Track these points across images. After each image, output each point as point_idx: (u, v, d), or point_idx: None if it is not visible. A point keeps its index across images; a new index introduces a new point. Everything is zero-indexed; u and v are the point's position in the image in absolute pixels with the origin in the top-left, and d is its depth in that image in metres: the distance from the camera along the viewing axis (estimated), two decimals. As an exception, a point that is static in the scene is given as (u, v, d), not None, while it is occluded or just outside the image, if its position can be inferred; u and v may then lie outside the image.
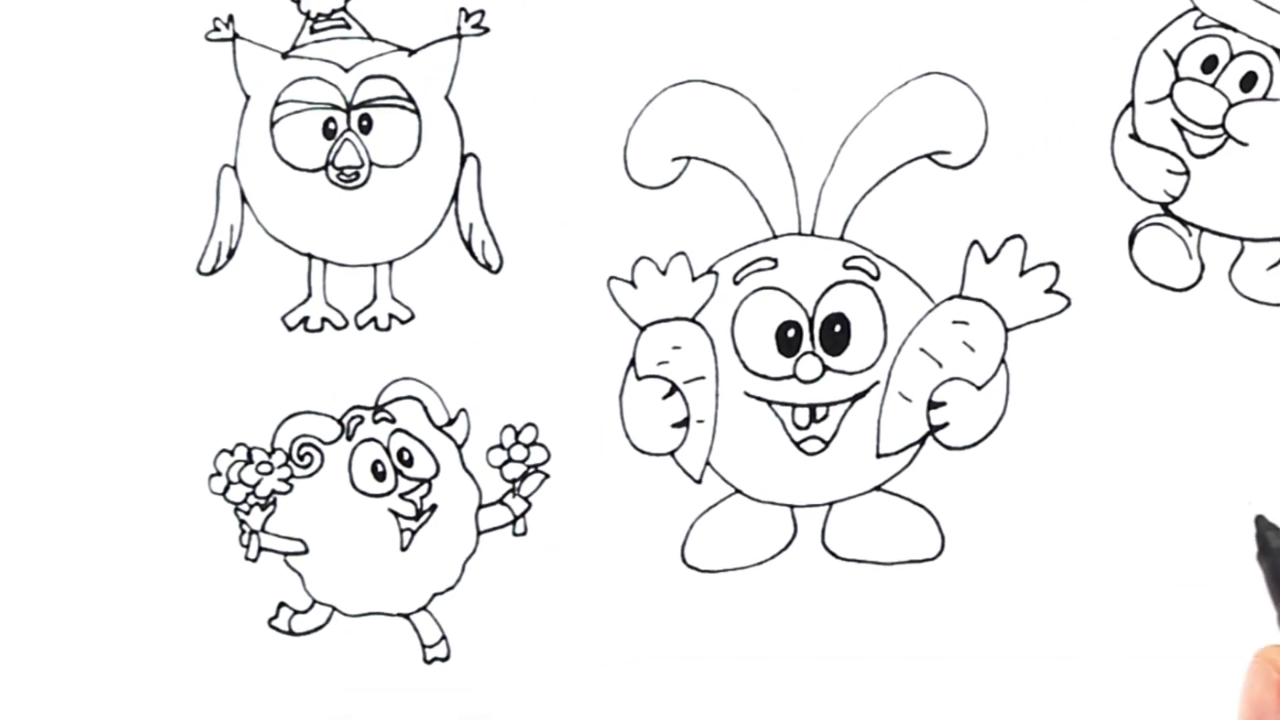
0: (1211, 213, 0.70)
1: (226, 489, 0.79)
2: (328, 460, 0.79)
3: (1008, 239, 0.72)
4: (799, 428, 0.74)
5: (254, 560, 0.79)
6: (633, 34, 0.76)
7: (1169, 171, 0.71)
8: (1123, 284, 0.71)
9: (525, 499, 0.76)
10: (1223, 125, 0.70)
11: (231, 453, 0.79)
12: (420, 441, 0.78)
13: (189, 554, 0.79)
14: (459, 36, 0.78)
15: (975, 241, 0.73)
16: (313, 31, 0.79)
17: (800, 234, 0.74)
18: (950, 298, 0.73)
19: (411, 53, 0.78)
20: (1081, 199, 0.71)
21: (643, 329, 0.75)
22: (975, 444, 0.72)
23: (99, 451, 0.80)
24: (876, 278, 0.73)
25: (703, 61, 0.75)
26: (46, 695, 0.80)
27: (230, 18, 0.80)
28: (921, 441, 0.73)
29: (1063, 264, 0.71)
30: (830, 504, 0.74)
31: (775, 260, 0.74)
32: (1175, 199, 0.71)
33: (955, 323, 0.73)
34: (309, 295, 0.79)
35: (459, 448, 0.77)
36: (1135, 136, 0.71)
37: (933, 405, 0.73)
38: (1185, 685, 0.68)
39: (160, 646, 0.79)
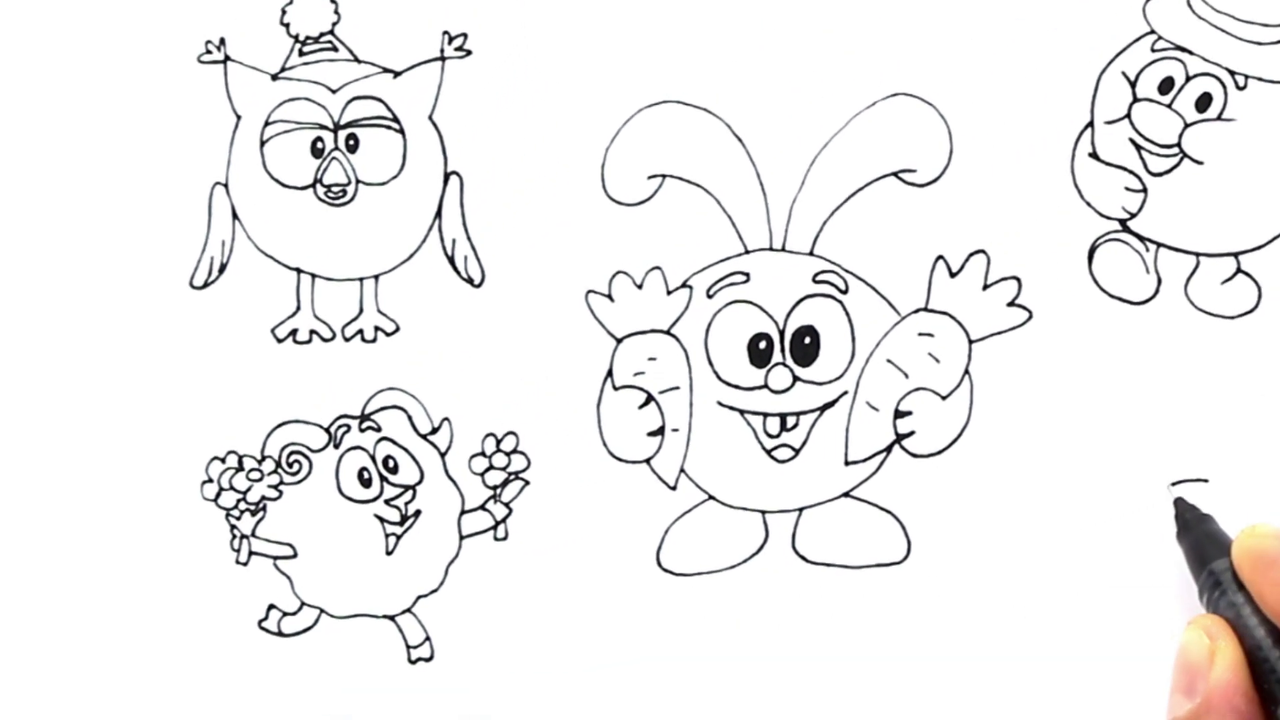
0: (1168, 229, 0.69)
1: (218, 495, 0.78)
2: (316, 467, 0.77)
3: (971, 254, 0.71)
4: (770, 436, 0.72)
5: (245, 564, 0.77)
6: (609, 57, 0.74)
7: (1127, 189, 0.69)
8: (1082, 298, 0.69)
9: (506, 505, 0.75)
10: (1179, 144, 0.69)
11: (223, 460, 0.78)
12: (405, 450, 0.76)
13: (182, 557, 0.77)
14: (442, 59, 0.76)
15: (940, 256, 0.71)
16: (301, 54, 0.78)
17: (771, 249, 0.72)
18: (916, 311, 0.71)
19: (396, 74, 0.77)
20: (1042, 216, 0.70)
21: (619, 341, 0.74)
22: (940, 452, 0.71)
23: (96, 458, 0.78)
24: (845, 291, 0.72)
25: (677, 83, 0.74)
26: (45, 694, 0.79)
27: (222, 40, 0.78)
28: (888, 449, 0.71)
29: (1024, 278, 0.70)
30: (800, 510, 0.72)
31: (747, 275, 0.73)
32: (1133, 215, 0.69)
33: (921, 335, 0.71)
34: (298, 308, 0.78)
35: (442, 455, 0.76)
36: (1094, 155, 0.70)
37: (899, 414, 0.71)
38: (1147, 686, 0.66)
39: (154, 646, 0.77)
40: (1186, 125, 0.68)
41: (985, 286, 0.70)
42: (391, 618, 0.76)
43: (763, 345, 0.72)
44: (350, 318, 0.77)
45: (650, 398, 0.73)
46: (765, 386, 0.72)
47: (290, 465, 0.77)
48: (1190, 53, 0.68)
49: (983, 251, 0.70)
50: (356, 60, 0.77)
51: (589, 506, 0.73)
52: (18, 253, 0.79)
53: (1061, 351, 0.69)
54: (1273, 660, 0.55)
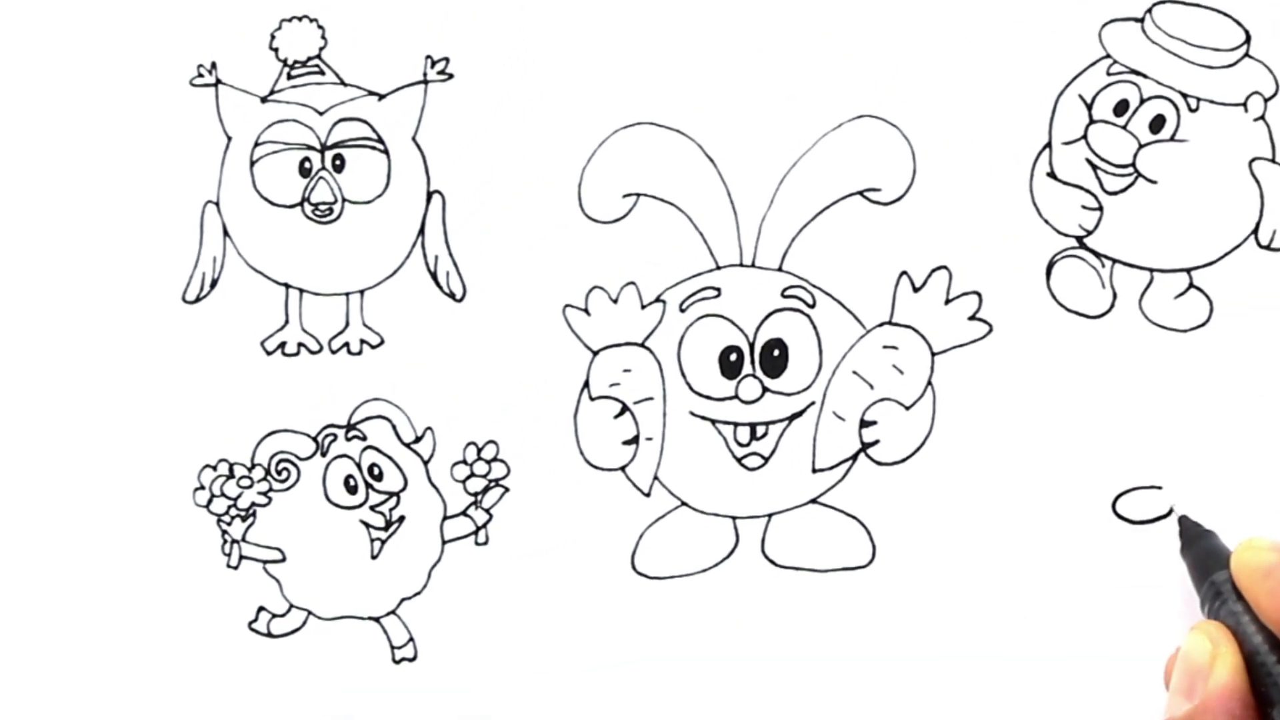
0: (1123, 245, 0.68)
1: (210, 501, 0.75)
2: (303, 475, 0.75)
3: (934, 270, 0.69)
4: (740, 445, 0.71)
5: (235, 567, 0.75)
6: (586, 80, 0.73)
7: (1083, 207, 0.68)
8: (1041, 312, 0.68)
9: (487, 511, 0.73)
10: (1133, 164, 0.67)
11: (214, 468, 0.75)
12: (389, 458, 0.74)
13: (175, 561, 0.75)
14: (425, 82, 0.74)
15: (904, 272, 0.70)
16: (290, 78, 0.76)
17: (742, 265, 0.71)
18: (881, 324, 0.70)
19: (381, 97, 0.75)
20: (1002, 233, 0.69)
21: (595, 353, 0.72)
22: (904, 460, 0.69)
23: (93, 464, 0.76)
24: (812, 306, 0.70)
25: (651, 105, 0.72)
26: (44, 692, 0.76)
27: (213, 64, 0.76)
28: (854, 458, 0.70)
29: (985, 293, 0.69)
30: (769, 515, 0.71)
31: (718, 289, 0.71)
32: (1089, 233, 0.68)
33: (885, 347, 0.70)
34: (286, 322, 0.76)
35: (425, 463, 0.74)
36: (1052, 175, 0.68)
37: (864, 424, 0.70)
38: (1105, 684, 0.66)
39: (148, 647, 0.75)
40: (1141, 146, 0.67)
41: (947, 301, 0.69)
42: (377, 619, 0.74)
43: (733, 357, 0.71)
44: (337, 331, 0.75)
45: (625, 408, 0.71)
46: (736, 397, 0.70)
47: (279, 472, 0.75)
48: (1144, 76, 0.67)
49: (945, 267, 0.69)
50: (343, 83, 0.75)
51: (566, 512, 0.72)
52: (18, 267, 0.77)
53: (1021, 364, 0.68)
54: (1269, 665, 0.54)
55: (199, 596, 0.75)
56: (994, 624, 0.67)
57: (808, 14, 0.71)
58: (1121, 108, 0.67)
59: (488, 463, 0.73)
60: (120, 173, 0.76)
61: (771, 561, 0.70)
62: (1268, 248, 0.66)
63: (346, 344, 0.75)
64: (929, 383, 0.69)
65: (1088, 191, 0.68)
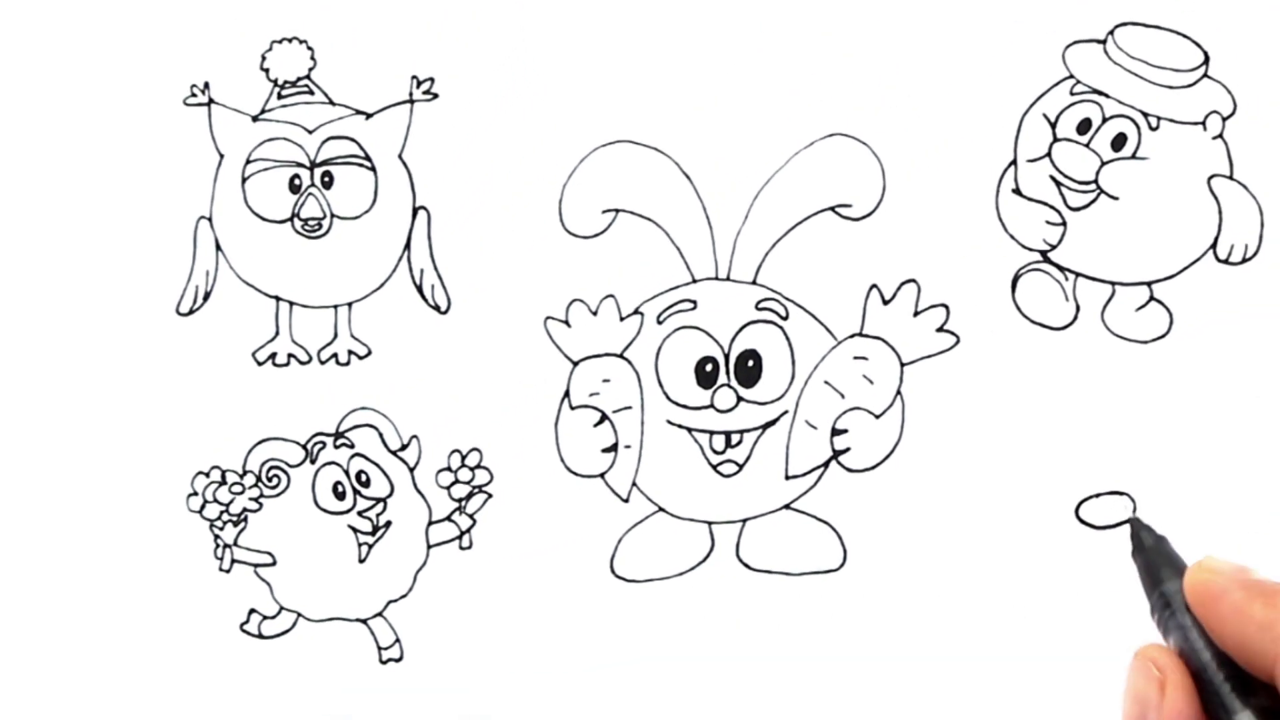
0: (1086, 259, 0.66)
1: (203, 507, 0.73)
2: (293, 481, 0.73)
3: (903, 283, 0.68)
4: (716, 452, 0.69)
5: (227, 571, 0.73)
6: (567, 100, 0.71)
7: (1048, 222, 0.67)
8: (1006, 324, 0.67)
9: (470, 516, 0.71)
10: (1096, 181, 0.66)
11: (207, 475, 0.74)
12: (376, 465, 0.72)
13: (169, 564, 0.73)
14: (411, 101, 0.73)
15: (874, 285, 0.68)
16: (280, 97, 0.74)
17: (717, 278, 0.70)
18: (851, 336, 0.69)
19: (368, 116, 0.73)
20: (969, 247, 0.67)
21: (576, 364, 0.71)
22: (874, 467, 0.68)
23: (90, 471, 0.74)
24: (785, 318, 0.69)
25: (629, 124, 0.71)
26: (42, 691, 0.74)
27: (206, 84, 0.75)
28: (826, 465, 0.68)
29: (952, 306, 0.68)
30: (744, 521, 0.69)
31: (695, 302, 0.70)
32: (1053, 247, 0.67)
33: (856, 358, 0.68)
34: (276, 333, 0.74)
35: (411, 470, 0.72)
36: (1017, 191, 0.67)
37: (836, 432, 0.68)
38: (1068, 684, 0.65)
39: (144, 647, 0.73)
40: (1103, 163, 0.66)
41: (916, 313, 0.68)
42: (364, 621, 0.72)
43: (709, 368, 0.69)
44: (325, 342, 0.73)
45: (604, 416, 0.70)
46: (711, 406, 0.69)
47: (270, 479, 0.73)
48: (1106, 96, 0.66)
49: (913, 281, 0.68)
50: (331, 103, 0.74)
51: (548, 518, 0.70)
52: (19, 279, 0.75)
53: (987, 374, 0.67)
54: (1217, 683, 0.51)
55: (193, 599, 0.73)
56: (961, 625, 0.66)
57: (780, 38, 0.69)
58: (1084, 126, 0.66)
59: (471, 469, 0.71)
60: (117, 189, 0.75)
61: (746, 565, 0.69)
62: (1225, 262, 0.65)
63: (335, 355, 0.73)
64: (898, 392, 0.68)
65: (1052, 207, 0.67)
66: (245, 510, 0.73)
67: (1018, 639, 0.66)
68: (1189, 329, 0.65)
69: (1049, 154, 0.67)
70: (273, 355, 0.74)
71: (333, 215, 0.73)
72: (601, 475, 0.70)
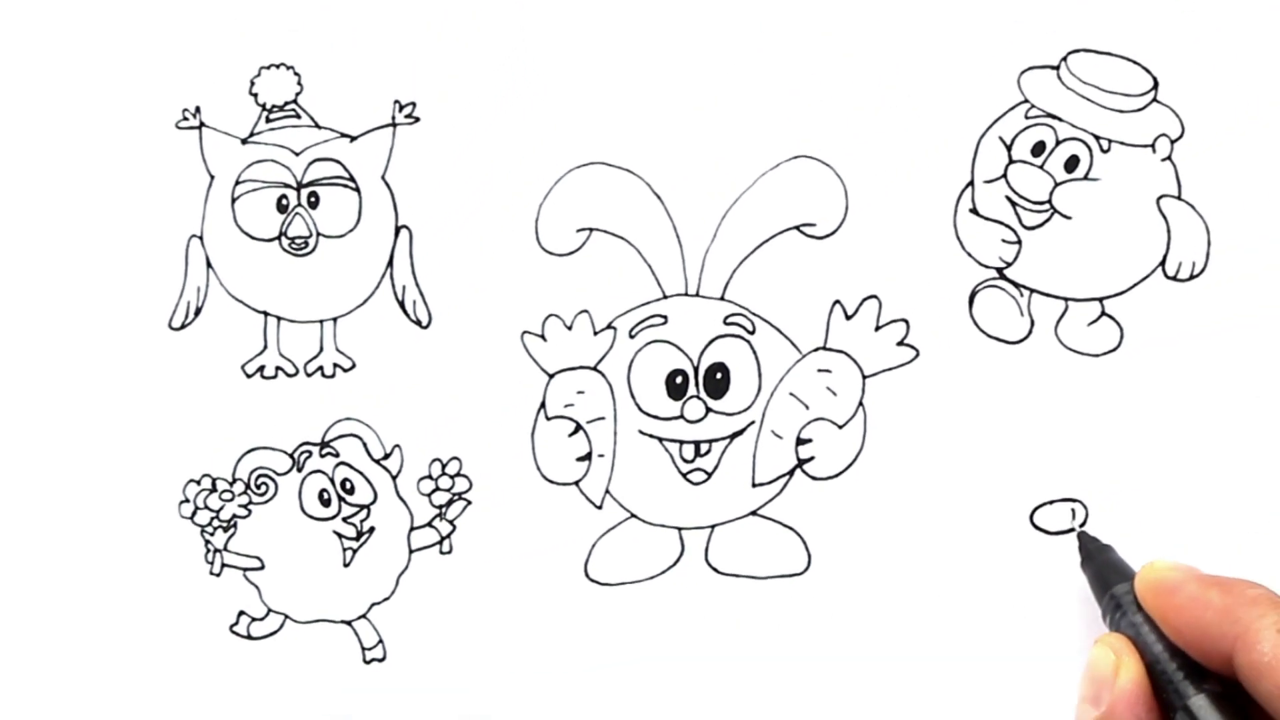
0: (1040, 276, 0.65)
1: (194, 513, 0.72)
2: (281, 489, 0.72)
3: (865, 299, 0.66)
4: (685, 461, 0.68)
5: (218, 575, 0.72)
6: (543, 123, 0.69)
7: (1003, 241, 0.65)
8: (964, 338, 0.65)
9: (450, 522, 0.70)
10: (1050, 201, 0.65)
11: (198, 482, 0.72)
12: (360, 473, 0.71)
13: (162, 569, 0.72)
14: (393, 125, 0.71)
15: (837, 301, 0.67)
16: (268, 121, 0.73)
17: (687, 294, 0.68)
18: (815, 349, 0.67)
19: (353, 139, 0.72)
20: (928, 265, 0.66)
21: (551, 376, 0.69)
22: (837, 475, 0.66)
23: (86, 479, 0.73)
24: (752, 332, 0.67)
25: (603, 147, 0.69)
26: (40, 689, 0.73)
27: (198, 109, 0.73)
28: (791, 473, 0.67)
29: (912, 320, 0.66)
30: (712, 527, 0.67)
31: (665, 317, 0.68)
32: (1009, 265, 0.65)
33: (820, 371, 0.67)
34: (265, 347, 0.72)
35: (394, 478, 0.70)
36: (974, 211, 0.65)
37: (801, 442, 0.67)
38: (1022, 681, 0.64)
39: (137, 648, 0.72)
40: (1056, 184, 0.65)
41: (877, 328, 0.66)
42: (348, 623, 0.71)
43: (679, 380, 0.68)
44: (312, 355, 0.72)
45: (579, 427, 0.68)
46: (681, 417, 0.68)
47: (258, 487, 0.72)
48: (1060, 119, 0.65)
49: (875, 296, 0.66)
50: (317, 126, 0.72)
51: (524, 524, 0.69)
52: (19, 296, 0.74)
53: (945, 386, 0.65)
54: (1170, 673, 0.53)
55: (184, 601, 0.72)
56: (921, 627, 0.65)
57: (746, 66, 0.68)
58: (1039, 149, 0.65)
59: (451, 478, 0.70)
60: (112, 209, 0.73)
61: (714, 569, 0.67)
62: (1174, 279, 0.64)
63: (320, 367, 0.72)
64: (860, 403, 0.66)
65: (1007, 226, 0.65)
66: (235, 516, 0.72)
67: (974, 639, 0.64)
68: (1139, 343, 0.64)
69: (1005, 175, 0.65)
70: (261, 368, 0.72)
71: (319, 234, 0.72)
72: (576, 483, 0.68)
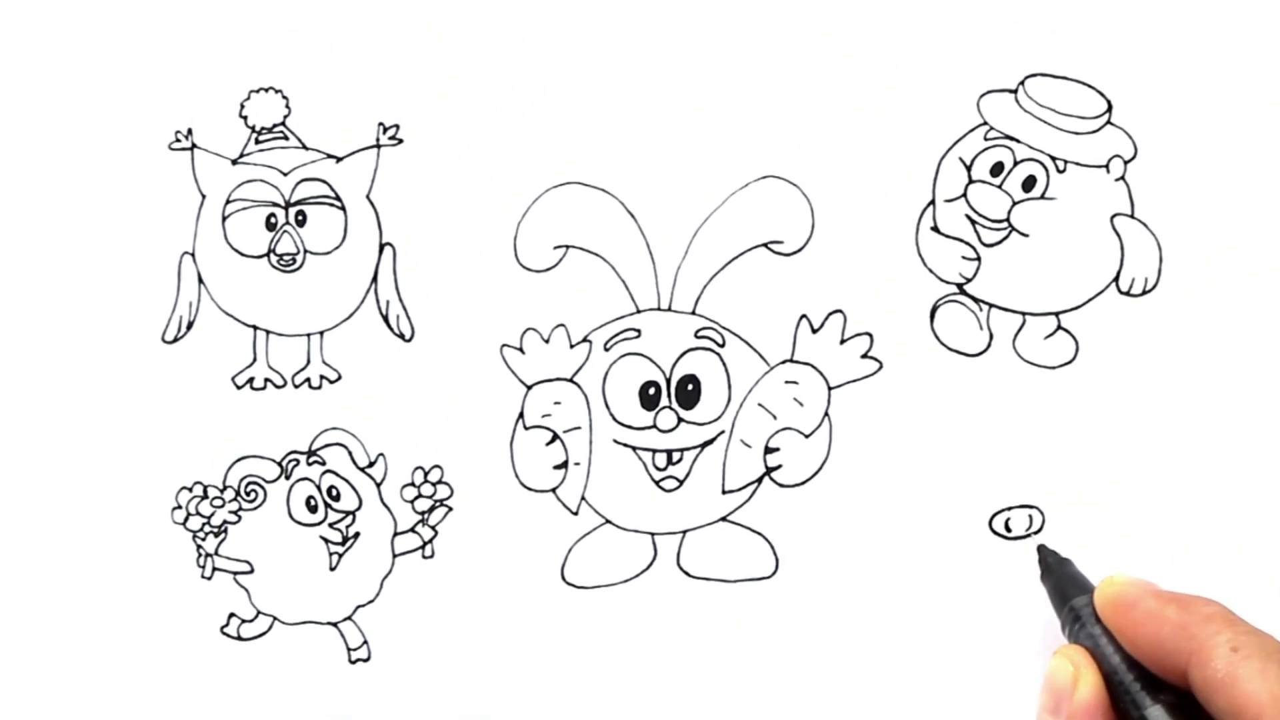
0: (999, 292, 0.63)
1: (186, 519, 0.70)
2: (270, 496, 0.69)
3: (830, 313, 0.65)
4: (658, 469, 0.66)
5: (209, 578, 0.70)
6: (521, 144, 0.68)
7: (963, 258, 0.63)
8: (925, 351, 0.64)
9: (433, 528, 0.68)
10: (1008, 220, 0.63)
11: (190, 489, 0.70)
12: (346, 480, 0.69)
13: (155, 572, 0.70)
14: (378, 146, 0.69)
15: (804, 315, 0.65)
16: (257, 142, 0.70)
17: (659, 309, 0.66)
18: (783, 362, 0.65)
19: (339, 159, 0.70)
20: (891, 280, 0.64)
21: (529, 388, 0.67)
22: (804, 482, 0.65)
23: (82, 486, 0.70)
24: (722, 345, 0.65)
25: (579, 167, 0.67)
26: (39, 688, 0.70)
27: (189, 130, 0.71)
28: (759, 480, 0.65)
29: (876, 334, 0.64)
30: (684, 532, 0.66)
31: (639, 331, 0.66)
32: (968, 280, 0.64)
33: (787, 382, 0.65)
34: (254, 359, 0.70)
35: (378, 485, 0.68)
36: (936, 229, 0.64)
37: (769, 450, 0.65)
38: (980, 680, 0.62)
39: (131, 649, 0.70)
40: (1014, 203, 0.63)
41: (842, 341, 0.65)
42: (335, 624, 0.69)
43: (652, 391, 0.66)
44: (299, 368, 0.70)
45: (556, 436, 0.67)
46: (654, 426, 0.66)
47: (248, 494, 0.70)
48: (1018, 141, 0.63)
49: (840, 311, 0.65)
50: (304, 147, 0.70)
51: (503, 529, 0.67)
52: (19, 311, 0.72)
53: (908, 397, 0.64)
54: (1127, 684, 0.51)
55: (176, 604, 0.70)
56: (884, 628, 0.63)
57: (717, 87, 0.66)
58: (997, 169, 0.63)
59: (434, 485, 0.68)
60: (108, 226, 0.71)
61: (686, 573, 0.66)
62: (1127, 294, 0.62)
63: (308, 379, 0.70)
64: (826, 414, 0.65)
65: (967, 244, 0.64)
66: (225, 522, 0.70)
67: (935, 640, 0.63)
68: (1094, 356, 0.62)
69: (964, 195, 0.63)
70: (250, 380, 0.70)
71: (306, 251, 0.70)
72: (553, 490, 0.67)
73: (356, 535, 0.68)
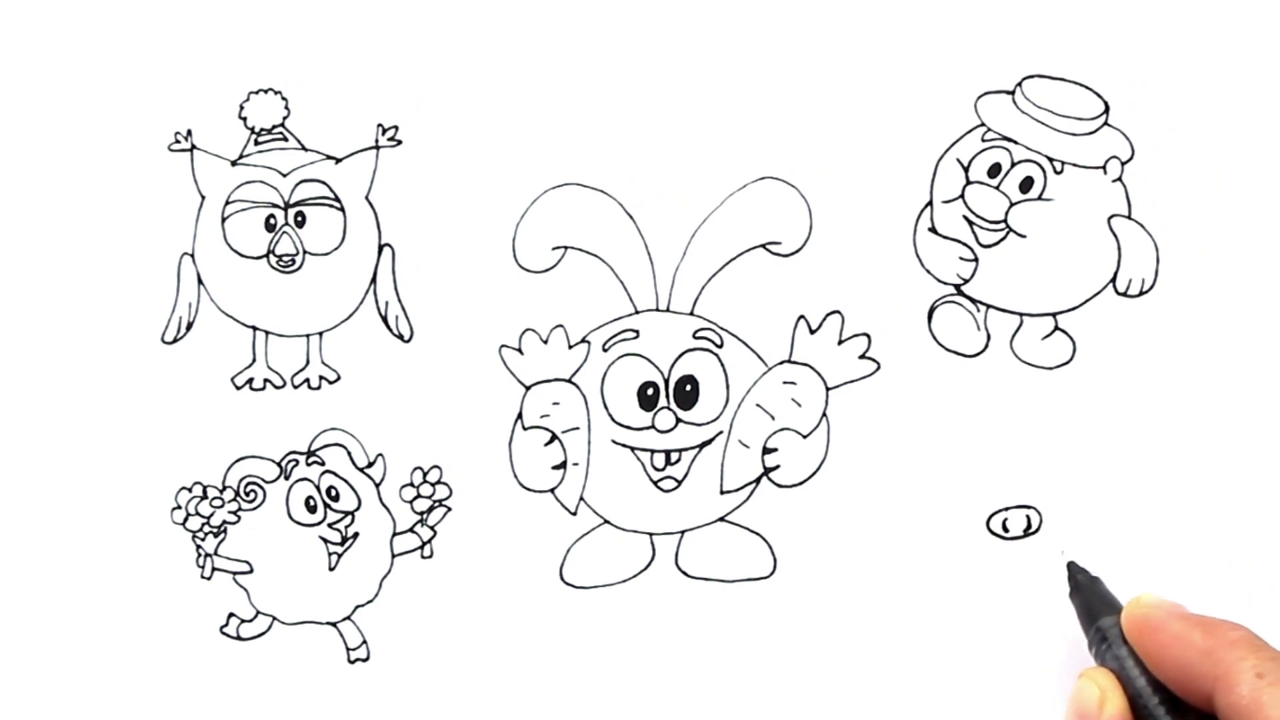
0: (996, 292, 0.63)
1: (186, 519, 0.69)
2: (269, 496, 0.69)
3: (828, 314, 0.64)
4: (656, 469, 0.65)
5: (208, 578, 0.69)
6: (520, 145, 0.67)
7: (961, 259, 0.63)
8: (923, 351, 0.63)
9: (431, 528, 0.67)
10: (1005, 221, 0.63)
11: (190, 490, 0.69)
12: (345, 481, 0.68)
13: (155, 572, 0.69)
14: (377, 147, 0.69)
15: (801, 316, 0.65)
16: (257, 144, 0.70)
17: (658, 310, 0.66)
18: (781, 362, 0.65)
19: (338, 161, 0.69)
20: (889, 281, 0.64)
21: (528, 388, 0.67)
22: (802, 483, 0.64)
23: (83, 487, 0.70)
24: (720, 346, 0.65)
25: (577, 168, 0.67)
26: (38, 688, 0.70)
27: (189, 132, 0.70)
28: (757, 481, 0.65)
29: (873, 335, 0.64)
30: (682, 532, 0.65)
31: (637, 331, 0.66)
32: (966, 281, 0.63)
33: (785, 383, 0.65)
34: (253, 360, 0.70)
35: (377, 486, 0.68)
36: (933, 230, 0.63)
37: (767, 451, 0.64)
38: (978, 677, 0.62)
39: (132, 649, 0.69)
40: (1012, 204, 0.63)
41: (840, 342, 0.64)
42: (333, 624, 0.68)
43: (650, 392, 0.66)
44: (298, 368, 0.69)
45: (554, 436, 0.66)
46: (652, 427, 0.65)
47: (247, 494, 0.69)
48: (1015, 142, 0.63)
49: (838, 312, 0.64)
50: (304, 149, 0.70)
51: (502, 530, 0.66)
52: (20, 312, 0.71)
53: (905, 397, 0.63)
54: (1152, 707, 0.51)
55: (176, 604, 0.69)
56: (882, 627, 0.63)
57: (715, 89, 0.66)
58: (994, 170, 0.63)
59: (432, 485, 0.67)
60: (108, 228, 0.71)
61: (684, 573, 0.65)
62: (1124, 294, 0.62)
63: (307, 380, 0.69)
64: (824, 414, 0.64)
65: (964, 245, 0.63)
66: (225, 522, 0.69)
67: (932, 639, 0.62)
68: (1091, 356, 0.62)
69: (962, 196, 0.63)
70: (250, 380, 0.69)
71: (305, 252, 0.69)
72: (551, 490, 0.66)
73: (355, 535, 0.68)
